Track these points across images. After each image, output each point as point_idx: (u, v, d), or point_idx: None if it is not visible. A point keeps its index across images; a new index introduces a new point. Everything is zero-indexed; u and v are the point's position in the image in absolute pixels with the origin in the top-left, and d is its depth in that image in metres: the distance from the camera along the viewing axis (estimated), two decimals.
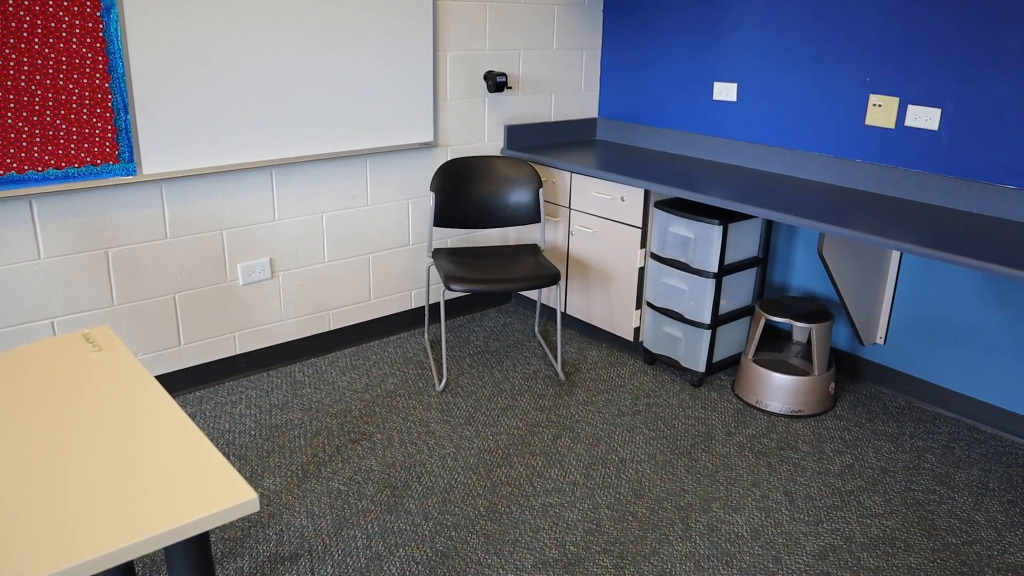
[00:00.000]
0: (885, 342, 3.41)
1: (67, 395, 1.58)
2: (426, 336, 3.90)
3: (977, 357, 3.14)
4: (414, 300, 3.94)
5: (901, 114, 3.19)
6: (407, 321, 3.94)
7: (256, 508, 1.29)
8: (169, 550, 1.31)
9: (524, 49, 3.98)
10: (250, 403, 3.22)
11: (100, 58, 2.78)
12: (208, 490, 1.29)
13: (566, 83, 4.22)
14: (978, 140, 2.99)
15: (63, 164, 2.79)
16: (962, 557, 2.42)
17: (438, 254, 3.54)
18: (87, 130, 2.81)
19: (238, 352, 3.41)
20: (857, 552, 2.43)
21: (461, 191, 3.61)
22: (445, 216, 3.59)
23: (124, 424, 1.47)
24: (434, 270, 3.97)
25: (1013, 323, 3.02)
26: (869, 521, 2.58)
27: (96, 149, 2.85)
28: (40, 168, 2.75)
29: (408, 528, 2.50)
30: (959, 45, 2.98)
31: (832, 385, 3.26)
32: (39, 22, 2.63)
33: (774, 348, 3.48)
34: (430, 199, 3.54)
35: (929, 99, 3.10)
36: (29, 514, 1.22)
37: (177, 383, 3.27)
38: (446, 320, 4.10)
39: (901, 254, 3.28)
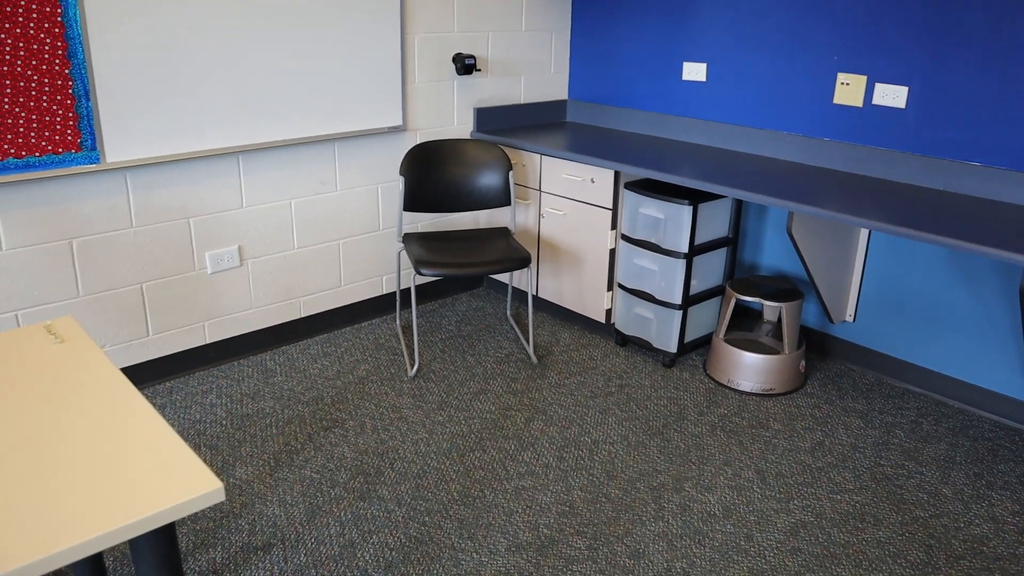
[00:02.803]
0: (854, 320, 3.44)
1: (27, 388, 1.55)
2: (397, 322, 3.88)
3: (944, 333, 3.18)
4: (385, 286, 3.91)
5: (869, 92, 3.21)
6: (378, 307, 3.92)
7: (221, 498, 1.28)
8: (134, 542, 1.29)
9: (493, 31, 3.95)
10: (221, 393, 3.19)
11: (59, 43, 2.72)
12: (172, 480, 1.28)
13: (535, 65, 4.20)
14: (944, 118, 3.02)
15: (23, 153, 2.74)
16: (930, 530, 2.45)
17: (408, 239, 3.52)
18: (47, 118, 2.76)
19: (208, 341, 3.38)
20: (828, 528, 2.46)
21: (430, 175, 3.59)
22: (415, 200, 3.56)
23: (86, 416, 1.45)
24: (404, 255, 3.95)
25: (979, 299, 3.06)
26: (839, 497, 2.61)
27: (57, 137, 2.79)
28: None
29: (381, 514, 2.50)
30: (926, 23, 2.99)
31: (802, 363, 3.28)
32: None
33: (745, 327, 3.50)
34: (399, 183, 3.51)
35: (896, 77, 3.12)
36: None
37: (146, 374, 3.24)
38: (417, 305, 4.08)
39: (869, 232, 3.30)
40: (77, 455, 1.34)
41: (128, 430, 1.41)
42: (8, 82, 2.65)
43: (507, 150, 3.84)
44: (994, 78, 2.86)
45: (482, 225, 4.14)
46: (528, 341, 3.66)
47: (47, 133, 2.77)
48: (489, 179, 3.64)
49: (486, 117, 4.02)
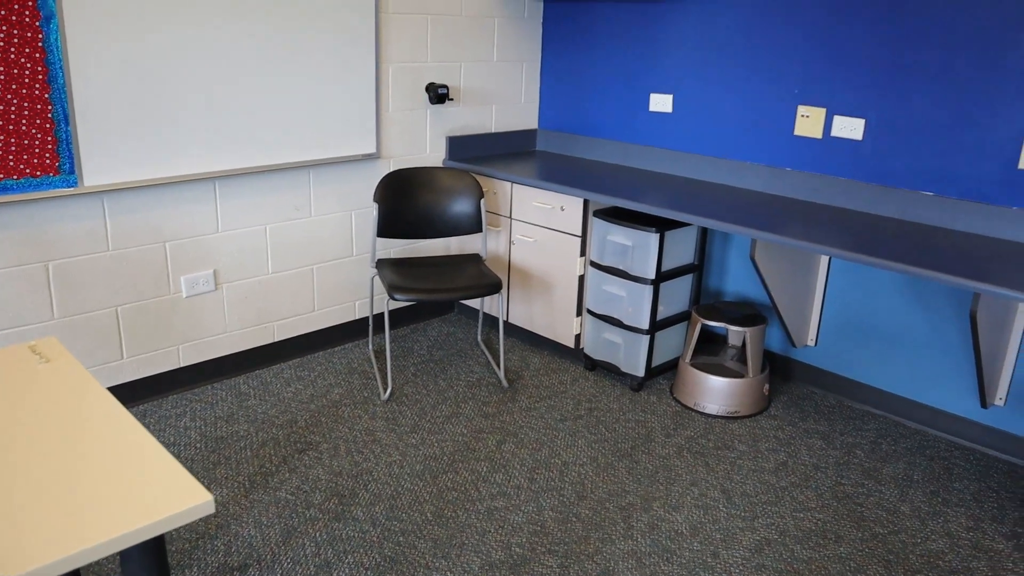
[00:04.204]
0: (816, 344, 3.55)
1: (16, 405, 1.58)
2: (370, 346, 3.92)
3: (901, 357, 3.30)
4: (358, 311, 3.96)
5: (828, 124, 3.34)
6: (351, 332, 3.96)
7: (212, 510, 1.32)
8: (124, 554, 1.33)
9: (465, 61, 4.05)
10: (195, 416, 3.21)
11: (40, 68, 2.76)
12: (163, 493, 1.32)
13: (506, 95, 4.30)
14: (899, 149, 3.16)
15: (1, 176, 2.76)
16: (889, 546, 2.54)
17: (381, 264, 3.58)
18: (26, 141, 2.79)
19: (182, 365, 3.39)
20: (791, 545, 2.54)
21: (404, 202, 3.66)
22: (388, 227, 3.62)
23: (76, 432, 1.48)
24: (378, 280, 4.00)
25: (933, 323, 3.18)
26: (802, 515, 2.70)
27: (36, 160, 2.82)
28: None
29: (356, 535, 2.53)
30: (880, 61, 3.14)
31: (766, 386, 3.38)
32: None
33: (710, 352, 3.60)
34: (373, 210, 3.57)
35: (854, 110, 3.26)
36: None
37: (120, 397, 3.24)
38: (390, 330, 4.13)
39: (829, 259, 3.43)
40: (68, 470, 1.37)
41: (118, 445, 1.45)
42: None
43: (479, 178, 3.93)
44: (944, 113, 3.01)
45: (453, 251, 4.21)
46: (499, 366, 3.72)
47: (26, 156, 2.80)
48: (461, 206, 3.71)
49: (458, 145, 4.11)
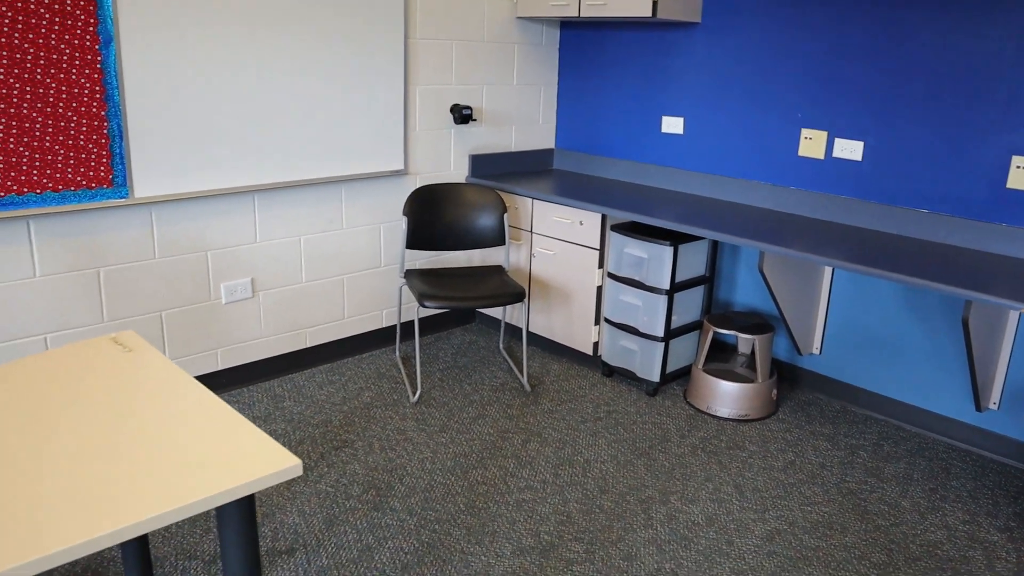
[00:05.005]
0: (821, 352, 3.75)
1: (112, 387, 1.77)
2: (397, 353, 4.11)
3: (901, 364, 3.50)
4: (385, 319, 4.15)
5: (829, 146, 3.56)
6: (378, 339, 4.15)
7: (299, 472, 1.51)
8: (221, 510, 1.51)
9: (487, 84, 4.27)
10: None
11: (98, 88, 2.97)
12: (255, 458, 1.50)
13: (526, 116, 4.53)
14: (896, 170, 3.37)
15: (60, 187, 2.96)
16: (890, 536, 2.72)
17: (410, 275, 3.78)
18: (83, 155, 2.99)
19: (220, 368, 3.58)
20: (800, 535, 2.72)
21: (432, 215, 3.86)
22: (416, 239, 3.83)
23: (170, 408, 1.68)
24: (406, 289, 4.20)
25: (930, 331, 3.38)
26: (810, 508, 2.88)
27: (91, 173, 3.03)
28: (39, 191, 2.92)
29: (395, 523, 2.71)
30: (877, 86, 3.35)
31: (774, 392, 3.57)
32: (42, 54, 2.82)
33: (721, 359, 3.79)
34: (403, 223, 3.78)
35: (853, 133, 3.47)
36: (111, 480, 1.42)
37: None
38: (414, 338, 4.32)
39: (833, 271, 3.63)
40: (170, 440, 1.56)
41: (209, 419, 1.64)
42: (51, 122, 2.89)
43: (501, 194, 4.13)
44: (936, 137, 3.22)
45: (476, 263, 4.41)
46: (522, 371, 3.91)
47: (82, 169, 3.00)
48: (486, 220, 3.92)
49: (480, 163, 4.32)
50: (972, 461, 3.26)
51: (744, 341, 3.72)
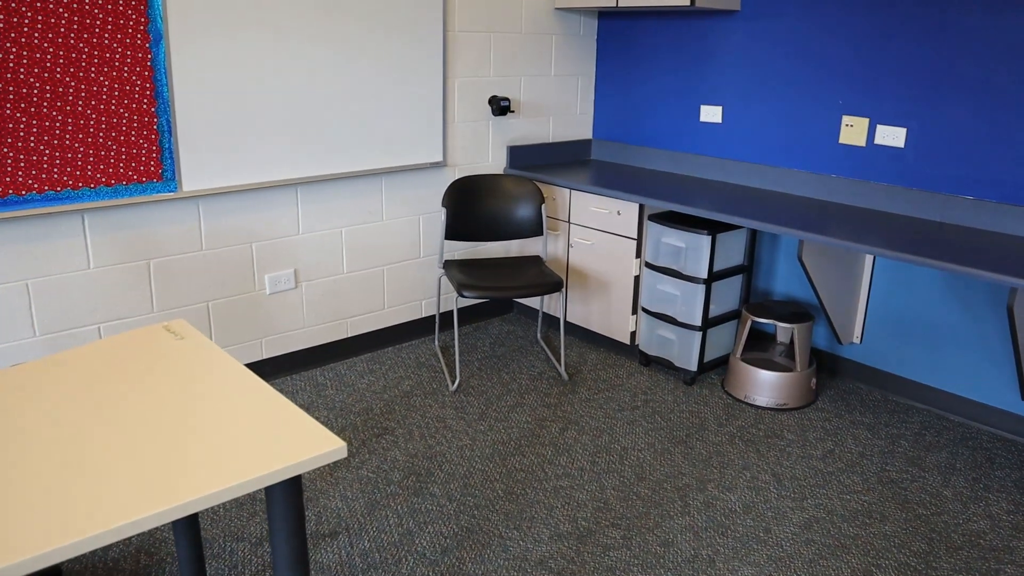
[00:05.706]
0: (861, 341, 3.72)
1: (167, 372, 1.84)
2: (436, 342, 4.17)
3: (944, 353, 3.46)
4: (424, 309, 4.21)
5: (871, 133, 3.53)
6: (417, 329, 4.22)
7: (344, 455, 1.56)
8: (270, 490, 1.57)
9: (525, 75, 4.30)
10: None
11: (148, 85, 3.06)
12: (302, 441, 1.56)
13: (563, 106, 4.55)
14: (939, 156, 3.33)
15: (112, 182, 3.06)
16: (931, 526, 2.71)
17: (449, 265, 3.83)
18: (135, 151, 3.08)
19: (264, 357, 3.67)
20: (838, 523, 2.72)
21: (470, 207, 3.91)
22: (455, 230, 3.88)
23: (222, 394, 1.74)
24: (445, 280, 4.25)
25: (974, 320, 3.34)
26: (849, 497, 2.87)
27: (142, 168, 3.12)
28: (93, 185, 3.01)
29: (435, 508, 2.77)
30: (921, 71, 3.32)
31: (813, 381, 3.56)
32: (95, 53, 2.91)
33: (760, 348, 3.78)
34: (442, 214, 3.83)
35: (896, 119, 3.44)
36: (167, 460, 1.49)
37: None
38: (453, 328, 4.37)
39: (874, 259, 3.60)
40: (224, 423, 1.63)
41: (259, 404, 1.70)
42: (104, 119, 2.98)
43: (539, 185, 4.16)
44: (983, 121, 3.18)
45: (513, 254, 4.44)
46: (560, 361, 3.95)
47: (134, 164, 3.09)
48: (524, 211, 3.95)
49: (518, 154, 4.35)
50: (1018, 451, 3.22)
51: (783, 330, 3.71)
